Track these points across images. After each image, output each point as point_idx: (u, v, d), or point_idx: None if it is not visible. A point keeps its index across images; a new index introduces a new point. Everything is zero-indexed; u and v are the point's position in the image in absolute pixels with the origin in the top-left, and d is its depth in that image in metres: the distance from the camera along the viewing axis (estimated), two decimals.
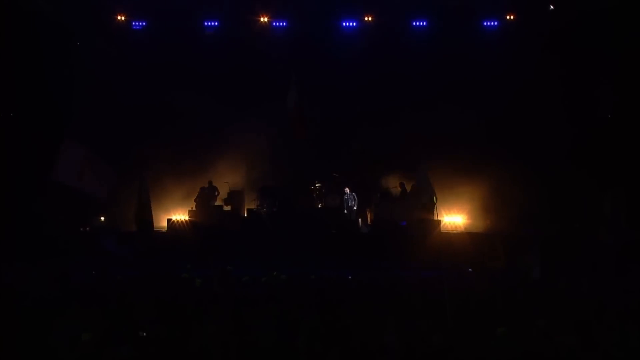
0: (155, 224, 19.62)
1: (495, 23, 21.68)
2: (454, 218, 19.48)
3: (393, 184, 20.50)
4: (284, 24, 22.15)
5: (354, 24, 22.08)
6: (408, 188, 20.18)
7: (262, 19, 21.88)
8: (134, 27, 22.19)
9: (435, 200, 17.72)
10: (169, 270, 14.18)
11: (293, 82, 19.96)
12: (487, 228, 19.24)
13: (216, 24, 22.20)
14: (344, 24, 22.10)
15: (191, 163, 21.14)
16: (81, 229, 19.77)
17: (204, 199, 20.58)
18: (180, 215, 20.02)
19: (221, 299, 11.20)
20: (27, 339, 8.58)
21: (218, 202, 20.73)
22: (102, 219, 20.74)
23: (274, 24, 22.12)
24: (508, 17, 21.46)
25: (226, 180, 20.86)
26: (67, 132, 19.94)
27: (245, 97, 21.48)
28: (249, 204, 20.73)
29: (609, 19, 19.41)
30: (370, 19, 21.81)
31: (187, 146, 21.20)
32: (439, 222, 18.60)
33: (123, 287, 12.54)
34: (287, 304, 10.36)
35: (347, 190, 20.04)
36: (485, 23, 21.72)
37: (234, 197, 20.77)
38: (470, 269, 15.44)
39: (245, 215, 20.22)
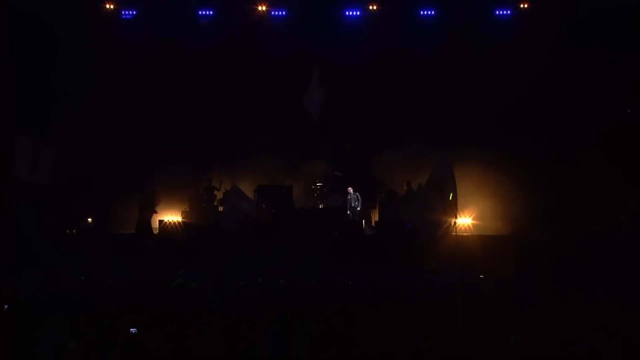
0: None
1: (508, 12, 21.66)
2: (463, 219, 19.42)
3: (399, 183, 20.54)
4: (283, 12, 22.14)
5: (358, 13, 22.07)
6: (414, 187, 20.18)
7: (259, 8, 21.88)
8: (124, 17, 22.15)
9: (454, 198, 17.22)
10: (162, 275, 14.20)
11: (316, 77, 19.95)
12: (499, 230, 19.21)
13: (211, 13, 22.18)
14: (347, 13, 22.09)
15: (185, 162, 21.14)
16: (67, 232, 19.78)
17: (200, 200, 20.57)
18: (173, 217, 20.00)
19: (216, 305, 11.23)
20: (11, 348, 8.60)
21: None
22: (90, 220, 20.75)
23: (273, 13, 22.10)
24: (522, 6, 21.43)
25: (221, 179, 20.89)
26: (50, 128, 20.11)
27: (242, 91, 21.52)
28: None
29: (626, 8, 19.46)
30: (374, 7, 21.79)
31: (180, 143, 21.17)
32: (447, 223, 18.54)
33: (113, 293, 12.58)
34: (286, 310, 10.38)
35: (350, 189, 20.05)
36: (497, 12, 21.70)
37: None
38: (481, 275, 15.44)
39: None
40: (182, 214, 20.07)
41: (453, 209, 13.83)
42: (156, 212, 19.22)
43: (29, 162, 16.18)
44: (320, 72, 20.02)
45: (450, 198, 14.09)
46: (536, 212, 18.83)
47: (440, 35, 21.63)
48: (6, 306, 11.03)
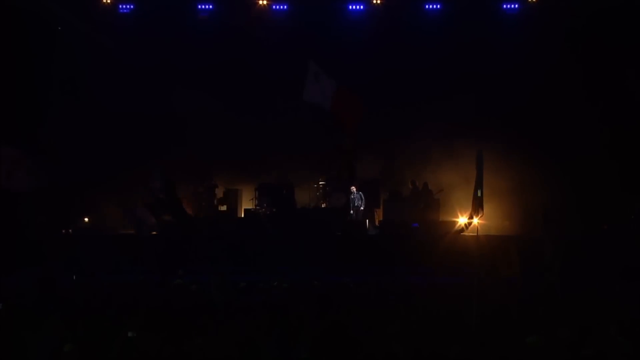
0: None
1: (516, 6, 21.57)
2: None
3: (404, 182, 20.52)
4: (285, 7, 22.09)
5: (361, 7, 22.01)
6: (420, 186, 20.17)
7: (260, 2, 21.84)
8: (121, 11, 22.08)
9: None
10: (161, 276, 14.20)
11: (312, 72, 19.92)
12: (506, 230, 19.16)
13: (211, 7, 22.14)
14: (350, 7, 22.04)
15: (184, 160, 21.13)
16: (63, 232, 19.78)
17: (200, 198, 20.58)
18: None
19: (217, 307, 11.22)
20: (4, 352, 8.59)
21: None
22: (87, 220, 20.75)
23: (274, 7, 22.06)
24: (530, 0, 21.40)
25: (221, 177, 20.91)
26: (47, 127, 20.14)
27: (243, 89, 21.51)
28: (247, 204, 20.76)
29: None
30: (378, 1, 21.73)
31: (179, 142, 21.15)
32: (453, 223, 18.56)
33: (110, 294, 12.57)
34: (289, 312, 10.37)
35: (354, 188, 20.01)
36: (504, 6, 21.63)
37: (230, 196, 20.79)
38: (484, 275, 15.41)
39: (242, 215, 20.23)
40: None
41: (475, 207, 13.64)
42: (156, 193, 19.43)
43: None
44: (317, 66, 20.00)
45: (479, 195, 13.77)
46: (544, 211, 18.77)
47: (446, 30, 21.55)
48: (0, 305, 11.03)
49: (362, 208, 20.02)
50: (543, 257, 15.87)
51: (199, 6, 22.07)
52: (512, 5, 21.59)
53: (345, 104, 20.18)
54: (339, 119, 20.39)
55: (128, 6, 22.03)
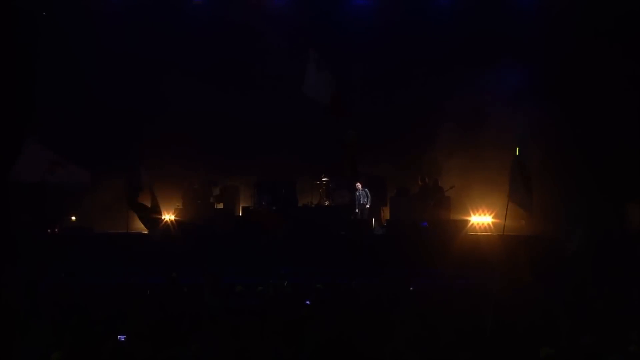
0: (138, 225, 19.72)
1: None
2: (483, 218, 19.37)
3: (412, 179, 20.52)
4: None
5: None
6: (430, 183, 20.17)
7: None
8: None
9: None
10: (153, 278, 14.22)
11: (314, 61, 19.95)
12: (522, 230, 19.14)
13: None
14: None
15: (180, 154, 21.17)
16: (49, 231, 19.81)
17: (195, 195, 20.60)
18: (166, 215, 19.99)
19: (212, 311, 11.23)
20: None
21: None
22: (73, 218, 20.78)
23: None
24: None
25: (220, 174, 20.94)
26: (32, 123, 20.17)
27: (242, 83, 21.60)
28: (245, 201, 20.76)
29: None
30: None
31: (176, 136, 21.17)
32: (465, 222, 18.58)
33: (99, 297, 12.59)
34: (289, 316, 10.37)
35: (359, 185, 20.03)
36: None
37: (228, 193, 20.80)
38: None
39: (240, 214, 20.25)
40: (174, 212, 20.08)
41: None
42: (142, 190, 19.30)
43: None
44: (317, 55, 20.01)
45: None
46: (564, 210, 18.78)
47: (457, 19, 21.56)
48: None
49: (367, 206, 20.04)
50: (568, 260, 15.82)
51: None
52: None
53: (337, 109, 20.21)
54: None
55: None
